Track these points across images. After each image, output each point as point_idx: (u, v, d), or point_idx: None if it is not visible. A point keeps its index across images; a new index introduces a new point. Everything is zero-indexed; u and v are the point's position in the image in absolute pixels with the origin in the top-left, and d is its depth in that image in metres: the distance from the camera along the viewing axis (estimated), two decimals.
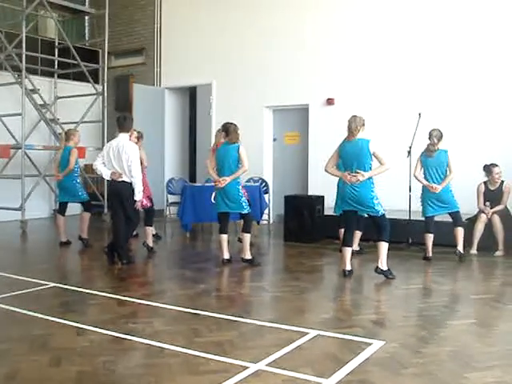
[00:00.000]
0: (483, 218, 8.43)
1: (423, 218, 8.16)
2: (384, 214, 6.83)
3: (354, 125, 6.79)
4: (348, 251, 6.95)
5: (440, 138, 7.98)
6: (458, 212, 8.03)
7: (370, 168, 6.74)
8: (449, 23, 10.27)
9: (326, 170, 7.03)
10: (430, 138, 8.01)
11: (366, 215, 7.11)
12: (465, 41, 10.12)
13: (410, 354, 4.25)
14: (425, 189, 8.06)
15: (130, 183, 7.49)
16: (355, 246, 8.47)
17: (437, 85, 10.33)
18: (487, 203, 8.51)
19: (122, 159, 7.47)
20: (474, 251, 8.37)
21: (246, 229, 7.72)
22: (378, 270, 6.81)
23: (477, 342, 4.58)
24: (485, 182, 8.68)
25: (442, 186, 7.90)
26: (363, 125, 6.83)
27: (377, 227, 7.02)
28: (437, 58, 10.35)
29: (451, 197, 7.99)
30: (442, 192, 7.92)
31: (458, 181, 8.37)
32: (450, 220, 8.15)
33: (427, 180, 8.02)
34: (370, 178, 6.73)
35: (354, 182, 6.68)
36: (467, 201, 8.59)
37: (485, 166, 8.69)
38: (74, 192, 9.18)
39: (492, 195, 8.60)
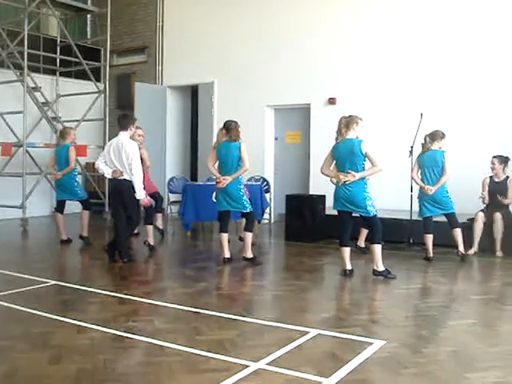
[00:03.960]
0: (480, 216, 8.38)
1: (421, 219, 8.17)
2: (376, 215, 6.79)
3: (339, 125, 6.83)
4: (346, 251, 6.94)
5: (434, 137, 7.96)
6: (453, 214, 7.98)
7: (363, 168, 6.71)
8: (450, 22, 10.26)
9: (321, 172, 7.04)
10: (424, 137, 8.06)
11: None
12: (467, 40, 10.10)
13: (411, 354, 4.24)
14: (421, 189, 8.06)
15: (131, 181, 7.50)
16: (361, 243, 8.48)
17: (439, 85, 10.32)
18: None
19: (122, 157, 7.49)
20: (473, 251, 8.33)
21: (248, 227, 7.70)
22: (375, 273, 6.81)
23: (477, 343, 4.57)
24: (491, 176, 8.66)
25: (436, 187, 7.87)
26: (356, 124, 6.77)
27: (369, 228, 6.99)
28: (439, 58, 10.34)
29: (446, 198, 7.95)
30: (436, 193, 7.89)
31: (460, 181, 8.39)
32: None
33: (422, 180, 8.02)
34: (362, 179, 6.71)
35: (345, 181, 6.67)
36: (470, 201, 8.61)
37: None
38: (72, 190, 9.17)
39: (496, 187, 8.54)
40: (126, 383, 3.75)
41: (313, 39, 11.62)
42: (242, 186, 7.77)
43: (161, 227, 9.85)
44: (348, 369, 3.90)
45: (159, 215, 9.66)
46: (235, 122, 7.64)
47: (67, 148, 9.10)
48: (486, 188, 8.60)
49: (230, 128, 7.57)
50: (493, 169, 8.56)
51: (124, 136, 7.61)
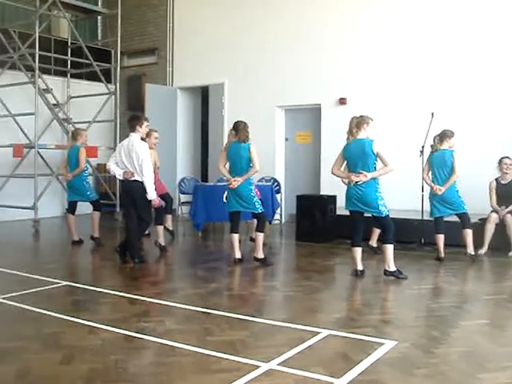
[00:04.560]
0: (493, 217, 8.35)
1: (432, 219, 8.14)
2: (388, 215, 6.76)
3: (350, 126, 6.84)
4: (358, 251, 6.92)
5: (442, 137, 7.93)
6: (465, 213, 7.93)
7: (375, 168, 6.68)
8: (459, 21, 10.21)
9: (332, 173, 7.02)
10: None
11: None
12: (476, 39, 10.05)
13: (422, 355, 4.23)
14: (431, 190, 8.02)
15: (142, 182, 7.52)
16: (373, 243, 8.45)
17: (450, 84, 10.28)
18: (502, 207, 8.40)
19: (133, 158, 7.50)
20: (483, 251, 8.27)
21: (260, 228, 7.69)
22: (386, 273, 6.79)
23: (489, 343, 4.56)
24: (496, 179, 8.62)
25: (445, 187, 7.83)
26: (366, 124, 6.76)
27: (381, 228, 6.96)
28: (449, 57, 10.30)
29: (457, 198, 7.89)
30: (447, 193, 7.85)
31: (470, 181, 8.34)
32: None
33: (433, 181, 7.99)
34: (374, 179, 6.68)
35: (357, 182, 6.64)
36: (480, 201, 8.57)
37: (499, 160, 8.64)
38: (83, 191, 9.20)
39: (504, 190, 8.48)
40: (138, 383, 3.77)
41: (322, 39, 11.60)
42: (253, 187, 7.77)
43: (171, 228, 9.86)
44: (359, 369, 3.89)
45: (169, 216, 9.66)
46: (244, 122, 7.63)
47: (78, 149, 9.14)
48: (494, 192, 8.53)
49: (238, 129, 7.57)
50: (507, 169, 8.49)
51: (135, 137, 7.62)
